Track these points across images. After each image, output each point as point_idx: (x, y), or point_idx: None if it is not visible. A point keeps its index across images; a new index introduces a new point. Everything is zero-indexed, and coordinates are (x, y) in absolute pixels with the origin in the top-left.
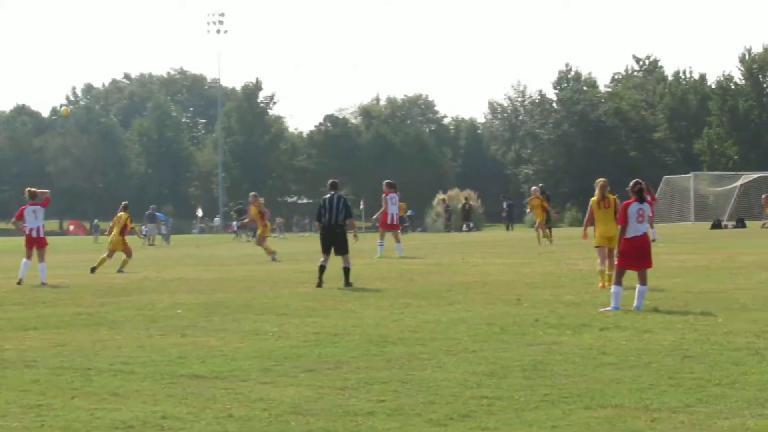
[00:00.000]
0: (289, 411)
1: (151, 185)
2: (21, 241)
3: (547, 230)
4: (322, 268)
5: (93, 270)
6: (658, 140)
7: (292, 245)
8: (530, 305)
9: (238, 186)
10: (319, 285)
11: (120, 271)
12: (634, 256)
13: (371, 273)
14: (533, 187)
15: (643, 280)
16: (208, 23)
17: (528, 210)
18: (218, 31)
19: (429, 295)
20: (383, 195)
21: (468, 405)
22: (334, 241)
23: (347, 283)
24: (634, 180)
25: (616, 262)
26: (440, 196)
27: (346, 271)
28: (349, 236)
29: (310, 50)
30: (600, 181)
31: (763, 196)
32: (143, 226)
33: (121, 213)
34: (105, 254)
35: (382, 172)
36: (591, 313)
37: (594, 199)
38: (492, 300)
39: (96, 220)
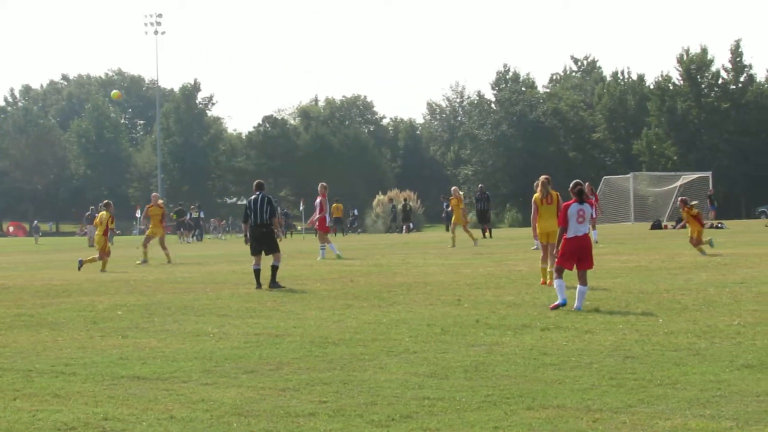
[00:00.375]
0: (230, 412)
1: (90, 186)
2: None
3: (470, 230)
4: (256, 271)
5: (103, 270)
6: (597, 141)
7: (232, 247)
8: (471, 306)
9: (177, 187)
10: (258, 287)
11: (81, 265)
12: (574, 256)
13: (312, 274)
14: (453, 188)
15: (583, 281)
16: (146, 24)
17: (450, 209)
18: (156, 32)
19: (370, 296)
20: (321, 198)
21: (409, 406)
22: (263, 241)
23: (273, 283)
24: (575, 181)
25: (555, 261)
26: (380, 197)
27: (274, 269)
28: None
29: (248, 51)
30: (543, 177)
31: (680, 199)
32: (84, 228)
33: (103, 212)
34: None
35: (322, 172)
36: (532, 314)
37: (537, 195)
38: (433, 301)
39: (36, 222)
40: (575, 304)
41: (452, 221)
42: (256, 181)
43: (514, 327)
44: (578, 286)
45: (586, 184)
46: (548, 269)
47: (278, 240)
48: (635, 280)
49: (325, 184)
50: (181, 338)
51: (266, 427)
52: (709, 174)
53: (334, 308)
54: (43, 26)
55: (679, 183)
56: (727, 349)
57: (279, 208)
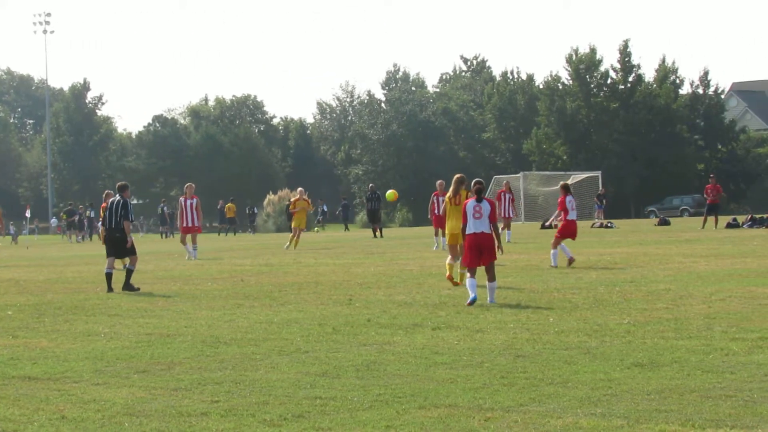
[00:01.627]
0: (122, 412)
1: None
2: None
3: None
4: (108, 275)
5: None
6: (487, 140)
7: None
8: (362, 305)
9: (68, 187)
10: (110, 290)
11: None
12: (475, 252)
13: (202, 273)
14: (299, 188)
15: (490, 276)
16: (35, 23)
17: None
18: (45, 31)
19: (261, 296)
20: (187, 199)
21: (301, 405)
22: (115, 244)
23: (126, 285)
24: (475, 179)
25: (462, 260)
26: (271, 196)
27: (129, 272)
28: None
29: (138, 50)
30: (457, 176)
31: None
32: None
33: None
34: None
35: (212, 172)
36: (423, 313)
37: (448, 194)
38: (324, 300)
39: None
40: (488, 299)
41: (298, 224)
42: (119, 182)
43: (406, 326)
44: (487, 282)
45: (504, 182)
46: (458, 269)
47: (128, 245)
48: (526, 279)
49: (191, 185)
50: (71, 338)
51: (158, 427)
52: (598, 173)
53: (225, 308)
54: None
55: (569, 182)
56: (618, 347)
57: (132, 214)
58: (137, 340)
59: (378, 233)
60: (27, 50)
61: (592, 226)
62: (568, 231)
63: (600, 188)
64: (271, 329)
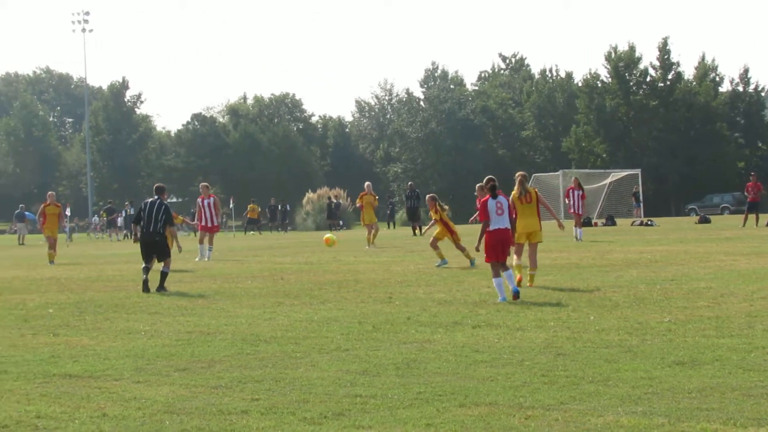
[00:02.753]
0: (163, 410)
1: (19, 184)
2: None
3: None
4: (146, 269)
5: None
6: (526, 138)
7: None
8: (402, 303)
9: (107, 185)
10: (145, 290)
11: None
12: (498, 247)
13: (242, 272)
14: (367, 183)
15: (504, 267)
16: (73, 22)
17: (358, 205)
18: (84, 30)
19: (301, 294)
20: (205, 199)
21: (342, 403)
22: (154, 249)
23: (161, 287)
24: (488, 177)
25: (485, 258)
26: (310, 194)
27: (163, 275)
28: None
29: (177, 49)
30: (519, 174)
31: (428, 197)
32: (14, 226)
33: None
34: None
35: (251, 170)
36: (463, 312)
37: (514, 193)
38: (364, 298)
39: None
40: (512, 288)
41: (368, 220)
42: (156, 185)
43: (446, 324)
44: (503, 272)
45: (573, 178)
46: (529, 271)
47: (178, 251)
48: (566, 278)
49: (205, 184)
50: (112, 336)
51: (198, 425)
52: (638, 171)
53: (265, 306)
54: None
55: (608, 180)
56: (659, 346)
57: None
58: (177, 338)
59: (417, 231)
60: (66, 49)
61: (632, 224)
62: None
63: (635, 187)
64: (311, 327)
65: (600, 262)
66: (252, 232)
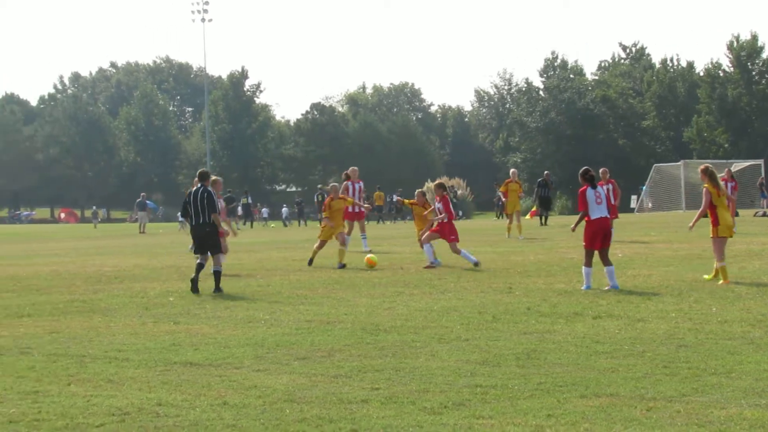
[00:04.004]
0: (283, 399)
1: (140, 173)
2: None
3: (517, 221)
4: (199, 266)
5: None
6: (646, 128)
7: (282, 233)
8: (522, 294)
9: (227, 174)
10: (194, 290)
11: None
12: (598, 236)
13: (362, 261)
14: (512, 170)
15: (606, 261)
16: (193, 12)
17: (501, 194)
18: (203, 20)
19: (420, 284)
20: (355, 182)
21: (462, 393)
22: (206, 241)
23: (216, 288)
24: (584, 167)
25: (584, 245)
26: (428, 184)
27: (216, 275)
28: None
29: (295, 38)
30: (707, 168)
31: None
32: (135, 214)
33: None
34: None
35: (370, 160)
36: (583, 302)
37: (709, 187)
38: (484, 288)
39: (95, 208)
40: (610, 284)
41: (511, 208)
42: (200, 170)
43: (566, 315)
44: (605, 267)
45: (726, 170)
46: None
47: (233, 235)
48: (687, 269)
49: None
50: (232, 325)
51: (318, 414)
52: (761, 162)
53: (384, 295)
54: (92, 14)
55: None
56: None
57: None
58: (297, 327)
59: (544, 221)
60: (186, 39)
61: (755, 215)
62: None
63: (761, 178)
64: (431, 317)
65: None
66: (375, 222)
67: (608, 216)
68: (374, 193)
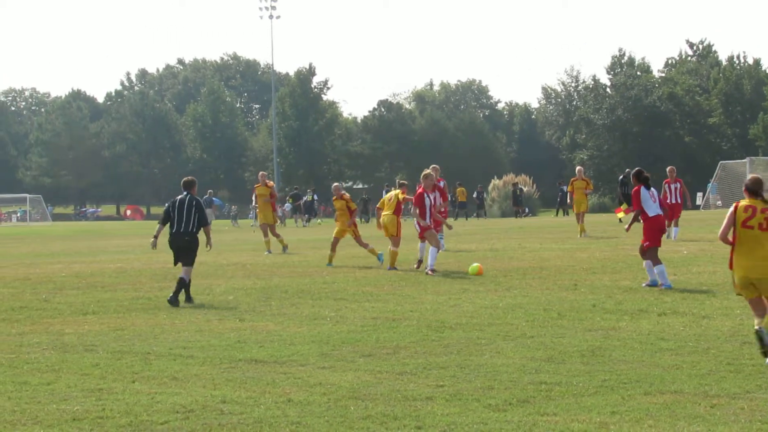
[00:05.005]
0: (348, 396)
1: (206, 170)
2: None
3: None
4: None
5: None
6: (712, 125)
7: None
8: (587, 291)
9: (293, 171)
10: (173, 301)
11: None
12: (658, 232)
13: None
14: (578, 168)
15: (657, 260)
16: (261, 8)
17: (569, 193)
18: (271, 17)
19: (486, 281)
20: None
21: (526, 390)
22: (183, 250)
23: (187, 298)
24: (637, 168)
25: (647, 244)
26: (495, 181)
27: (181, 283)
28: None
29: (363, 35)
30: None
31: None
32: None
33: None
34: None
35: (437, 157)
36: (648, 299)
37: None
38: (549, 285)
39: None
40: (663, 284)
41: (576, 207)
42: (186, 178)
43: (631, 312)
44: (655, 267)
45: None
46: None
47: (207, 248)
48: None
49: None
50: (298, 322)
51: (383, 411)
52: None
53: (450, 292)
54: (159, 11)
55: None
56: None
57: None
58: (363, 324)
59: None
60: (253, 35)
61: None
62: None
63: None
64: (496, 314)
65: None
66: (461, 218)
67: (662, 214)
68: (456, 189)
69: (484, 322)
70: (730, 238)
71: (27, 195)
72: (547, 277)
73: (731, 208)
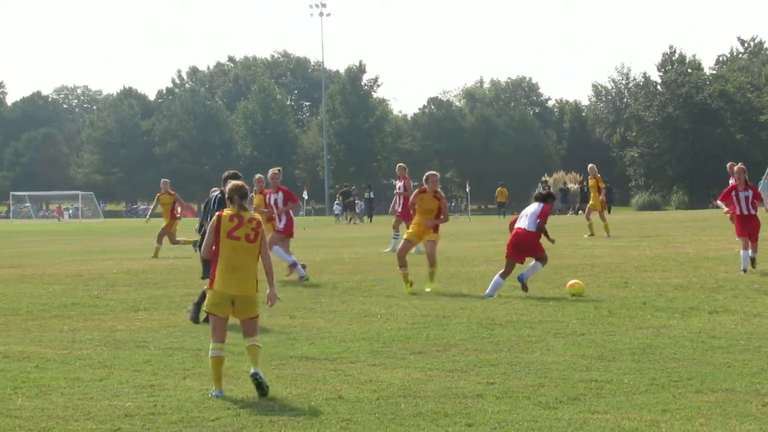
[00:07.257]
0: (398, 393)
1: (257, 167)
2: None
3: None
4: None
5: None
6: (764, 123)
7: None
8: (638, 288)
9: (343, 168)
10: (194, 318)
11: None
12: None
13: (478, 255)
14: (590, 165)
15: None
16: (311, 6)
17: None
18: (321, 14)
19: (536, 278)
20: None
21: (577, 388)
22: None
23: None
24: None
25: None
26: (545, 178)
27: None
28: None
29: (413, 32)
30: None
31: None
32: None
33: None
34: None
35: (487, 154)
36: (699, 297)
37: None
38: (600, 283)
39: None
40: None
41: (589, 205)
42: (228, 171)
43: (682, 310)
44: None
45: None
46: None
47: None
48: None
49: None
50: (348, 319)
51: (434, 408)
52: None
53: (500, 290)
54: (209, 9)
55: None
56: None
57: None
58: (413, 322)
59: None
60: (303, 33)
61: None
62: None
63: None
64: (547, 312)
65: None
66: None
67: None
68: (497, 189)
69: (535, 319)
70: None
71: (79, 192)
72: (598, 274)
73: None
